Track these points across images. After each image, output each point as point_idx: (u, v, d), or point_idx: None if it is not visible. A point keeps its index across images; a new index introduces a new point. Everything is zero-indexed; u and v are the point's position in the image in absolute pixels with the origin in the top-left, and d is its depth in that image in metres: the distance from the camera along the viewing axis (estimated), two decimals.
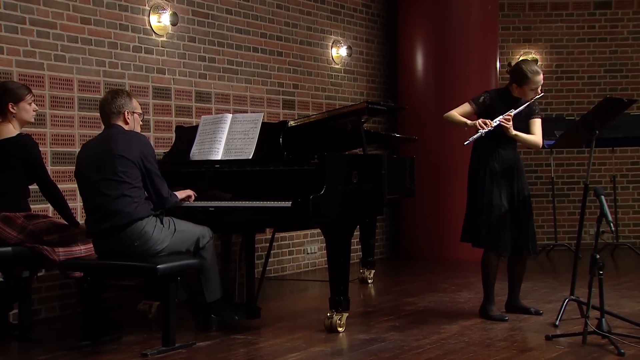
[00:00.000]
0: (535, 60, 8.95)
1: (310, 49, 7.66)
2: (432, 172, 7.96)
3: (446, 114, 4.95)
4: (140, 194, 4.28)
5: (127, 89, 5.79)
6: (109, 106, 4.40)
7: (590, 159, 4.72)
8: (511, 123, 4.78)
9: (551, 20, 9.28)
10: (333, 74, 7.97)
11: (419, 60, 8.26)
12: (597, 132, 4.65)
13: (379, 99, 8.40)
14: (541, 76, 4.85)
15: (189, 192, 4.71)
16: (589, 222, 7.98)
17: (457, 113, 4.93)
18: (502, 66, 8.37)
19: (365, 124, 5.63)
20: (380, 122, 8.51)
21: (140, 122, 4.54)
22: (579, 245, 4.84)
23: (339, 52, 7.97)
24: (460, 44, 8.04)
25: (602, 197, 4.22)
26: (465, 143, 4.77)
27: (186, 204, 4.68)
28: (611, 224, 4.17)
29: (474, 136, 4.74)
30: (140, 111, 4.53)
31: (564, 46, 9.27)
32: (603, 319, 4.16)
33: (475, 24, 8.12)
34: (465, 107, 4.95)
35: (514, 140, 4.90)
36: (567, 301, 4.77)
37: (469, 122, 4.83)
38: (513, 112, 4.80)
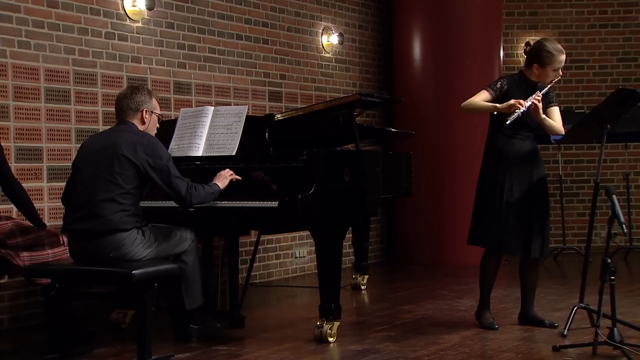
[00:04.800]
0: None
1: (299, 36, 7.66)
2: (430, 170, 7.97)
3: (465, 103, 4.95)
4: (132, 201, 4.24)
5: (98, 78, 5.79)
6: (127, 101, 4.38)
7: (601, 156, 4.73)
8: (541, 105, 4.82)
9: (559, 4, 9.32)
10: (323, 63, 7.98)
11: (417, 49, 8.27)
12: (608, 126, 4.67)
13: (373, 91, 8.41)
14: (564, 55, 4.91)
15: (226, 173, 4.54)
16: (599, 224, 8.01)
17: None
18: (506, 55, 8.39)
19: (358, 118, 5.64)
20: (374, 116, 8.53)
21: (157, 125, 4.51)
22: (589, 248, 4.86)
23: (330, 39, 7.98)
24: (461, 31, 8.06)
25: (614, 196, 4.24)
26: (507, 124, 4.77)
27: (166, 204, 4.65)
28: (624, 226, 4.18)
29: (513, 116, 4.75)
30: (159, 112, 4.51)
31: (574, 33, 9.31)
32: (615, 329, 4.18)
33: (478, 9, 8.14)
34: (483, 95, 4.94)
35: (532, 129, 4.92)
36: (576, 309, 4.79)
37: (498, 105, 4.83)
38: (540, 93, 4.83)
